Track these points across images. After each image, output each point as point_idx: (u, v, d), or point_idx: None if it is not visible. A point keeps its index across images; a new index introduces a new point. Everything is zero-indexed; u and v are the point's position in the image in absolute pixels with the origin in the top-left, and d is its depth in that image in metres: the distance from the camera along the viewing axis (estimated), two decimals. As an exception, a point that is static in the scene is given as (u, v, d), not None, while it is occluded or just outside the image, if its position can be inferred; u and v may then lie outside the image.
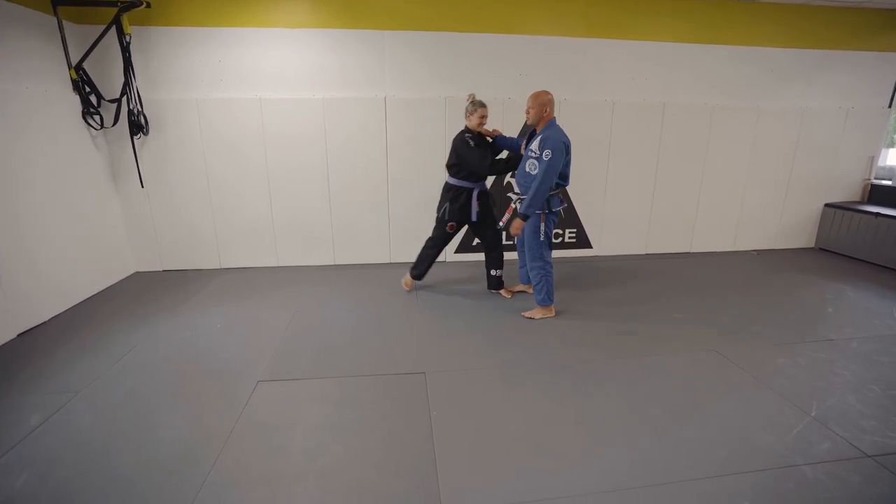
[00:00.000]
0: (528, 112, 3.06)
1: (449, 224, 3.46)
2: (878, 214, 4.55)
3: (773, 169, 4.95)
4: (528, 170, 3.05)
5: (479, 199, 3.44)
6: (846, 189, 5.16)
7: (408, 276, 3.75)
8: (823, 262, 4.73)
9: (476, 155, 3.27)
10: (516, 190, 3.34)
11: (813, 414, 2.23)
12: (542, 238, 3.15)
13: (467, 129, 3.38)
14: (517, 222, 3.08)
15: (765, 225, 5.14)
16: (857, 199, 5.21)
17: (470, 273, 4.28)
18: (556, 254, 4.82)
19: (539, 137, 2.98)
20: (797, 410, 2.26)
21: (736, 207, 5.01)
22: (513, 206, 3.32)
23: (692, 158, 4.77)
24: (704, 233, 5.04)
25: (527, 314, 3.32)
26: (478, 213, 3.46)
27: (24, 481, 1.80)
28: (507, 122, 4.35)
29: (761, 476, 1.84)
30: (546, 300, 3.28)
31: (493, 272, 3.72)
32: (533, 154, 3.01)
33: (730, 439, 2.05)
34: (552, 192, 3.05)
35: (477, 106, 3.31)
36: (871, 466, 1.89)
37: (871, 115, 4.93)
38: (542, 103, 2.99)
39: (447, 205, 3.45)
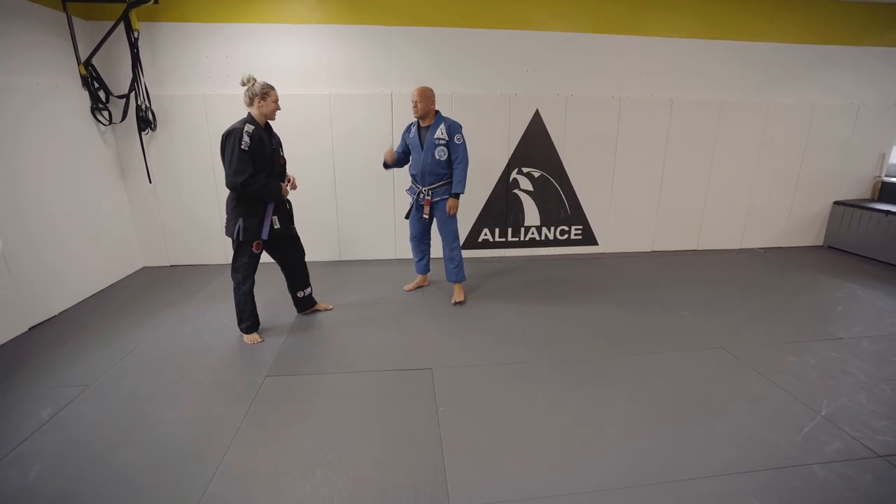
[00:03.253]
0: (415, 106, 3.23)
1: (255, 244, 2.77)
2: (888, 212, 4.50)
3: (782, 166, 4.90)
4: (437, 157, 3.27)
5: (276, 211, 2.80)
6: (856, 186, 5.11)
7: (246, 335, 2.93)
8: (832, 261, 4.68)
9: (234, 161, 2.54)
10: (422, 185, 3.37)
11: (823, 413, 2.21)
12: (456, 219, 3.45)
13: (251, 120, 2.65)
14: (452, 201, 3.30)
15: (773, 222, 5.10)
16: (868, 196, 5.15)
17: (476, 270, 4.27)
18: (562, 250, 4.83)
19: (441, 126, 3.25)
20: (807, 409, 2.24)
21: (744, 205, 4.97)
22: (428, 198, 3.36)
23: (700, 155, 4.73)
24: (712, 230, 5.00)
25: (456, 300, 3.49)
26: (276, 227, 2.81)
27: (36, 473, 1.82)
28: (513, 117, 4.34)
29: (770, 475, 1.82)
30: (464, 277, 3.56)
31: (300, 294, 3.18)
32: (441, 141, 3.24)
33: (738, 438, 2.04)
34: (448, 180, 3.35)
35: (268, 88, 2.66)
36: (883, 466, 1.87)
37: (882, 111, 4.87)
38: (428, 98, 3.22)
39: (241, 222, 2.68)
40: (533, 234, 4.74)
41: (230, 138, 2.58)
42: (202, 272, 4.17)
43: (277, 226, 2.82)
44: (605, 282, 4.04)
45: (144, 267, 4.31)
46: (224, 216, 2.82)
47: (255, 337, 2.92)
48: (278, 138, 2.87)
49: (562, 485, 1.78)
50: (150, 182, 4.07)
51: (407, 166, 3.55)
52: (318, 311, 3.36)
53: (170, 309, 3.38)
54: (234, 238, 2.73)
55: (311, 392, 2.39)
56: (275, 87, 2.71)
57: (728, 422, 2.15)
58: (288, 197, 2.89)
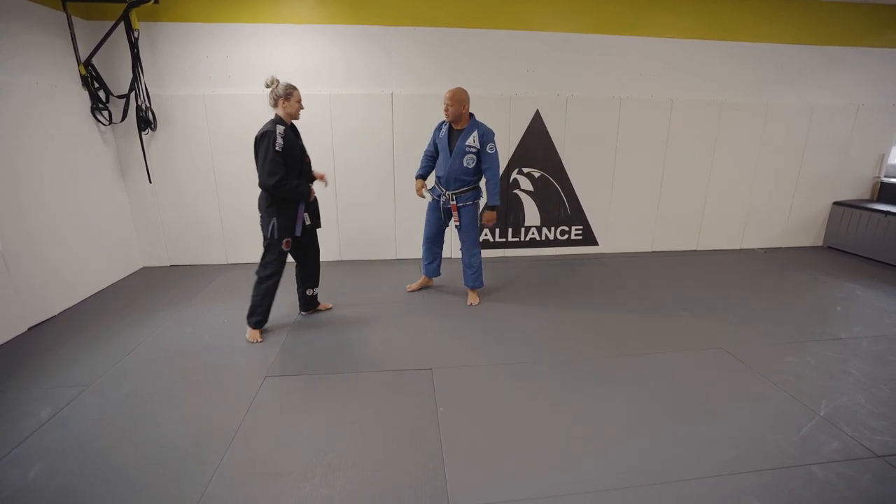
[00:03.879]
0: (446, 110, 3.12)
1: (285, 242, 2.85)
2: (888, 213, 4.50)
3: (782, 166, 4.90)
4: (465, 164, 3.17)
5: (307, 208, 2.90)
6: (855, 187, 5.11)
7: (250, 329, 2.95)
8: (832, 261, 4.69)
9: (268, 162, 2.63)
10: (446, 189, 3.27)
11: (822, 413, 2.21)
12: (478, 225, 3.40)
13: (280, 121, 2.72)
14: (490, 214, 3.25)
15: (773, 223, 5.10)
16: (867, 197, 5.15)
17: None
18: (562, 250, 4.83)
19: (474, 133, 3.13)
20: (806, 409, 2.24)
21: (744, 205, 4.97)
22: (454, 203, 3.28)
23: (700, 156, 4.74)
24: (711, 230, 5.00)
25: (472, 303, 3.47)
26: (308, 224, 2.93)
27: (36, 473, 1.82)
28: (513, 117, 4.34)
29: (769, 475, 1.83)
30: (482, 283, 3.52)
31: (308, 292, 3.23)
32: (471, 149, 3.14)
33: (737, 438, 2.04)
34: (477, 184, 3.30)
35: (291, 88, 2.72)
36: (882, 467, 1.87)
37: (881, 112, 4.87)
38: (461, 101, 3.08)
39: (274, 220, 2.79)
40: (533, 234, 4.74)
41: (264, 140, 2.64)
42: (202, 272, 4.17)
43: (309, 222, 2.94)
44: (605, 282, 4.04)
45: (144, 267, 4.31)
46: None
47: (257, 335, 2.93)
48: (299, 142, 2.92)
49: (562, 485, 1.78)
50: (151, 182, 4.07)
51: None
52: (319, 310, 3.37)
53: (170, 309, 3.38)
54: (269, 236, 2.82)
55: (310, 392, 2.39)
56: (297, 88, 2.76)
57: (728, 422, 2.15)
58: (313, 196, 2.94)
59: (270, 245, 2.85)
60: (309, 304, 3.30)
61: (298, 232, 2.87)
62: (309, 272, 3.19)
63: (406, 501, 1.70)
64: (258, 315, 2.93)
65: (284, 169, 2.68)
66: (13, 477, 1.81)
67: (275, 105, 2.75)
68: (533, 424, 2.14)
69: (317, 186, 2.96)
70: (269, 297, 2.94)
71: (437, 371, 2.57)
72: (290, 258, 2.98)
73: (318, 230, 3.10)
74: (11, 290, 2.92)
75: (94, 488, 1.76)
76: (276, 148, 2.63)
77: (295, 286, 3.25)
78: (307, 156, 2.92)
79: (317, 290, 3.28)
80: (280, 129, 2.66)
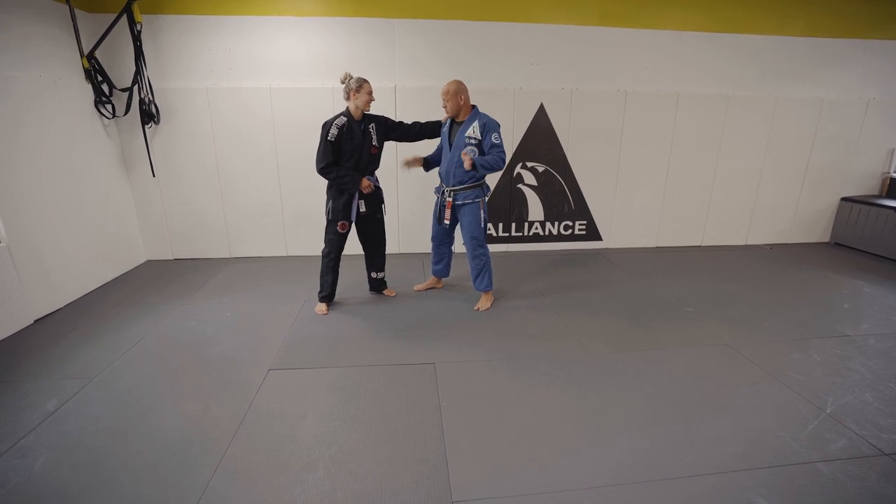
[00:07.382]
0: (445, 106, 3.05)
1: (339, 224, 3.09)
2: (897, 209, 4.45)
3: (789, 161, 4.85)
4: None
5: (363, 195, 3.09)
6: (864, 182, 5.05)
7: (318, 303, 3.29)
8: (839, 257, 4.64)
9: (319, 149, 2.92)
10: (446, 185, 3.17)
11: (828, 410, 2.19)
12: (482, 225, 3.19)
13: (346, 113, 2.95)
14: (467, 160, 2.91)
15: (779, 218, 5.05)
16: (876, 192, 5.09)
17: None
18: (566, 245, 4.81)
19: (475, 123, 2.99)
20: (812, 407, 2.22)
21: (750, 200, 4.93)
22: (449, 200, 3.15)
23: (706, 150, 4.69)
24: (717, 226, 4.96)
25: (479, 307, 3.30)
26: (362, 211, 3.12)
27: (41, 464, 1.84)
28: (517, 111, 4.31)
29: (775, 472, 1.81)
30: (490, 286, 3.34)
31: (374, 275, 3.47)
32: (471, 140, 2.99)
33: (742, 434, 2.03)
34: (479, 182, 3.14)
35: (362, 81, 2.89)
36: (889, 465, 1.86)
37: (891, 106, 4.80)
38: (455, 93, 2.99)
39: (331, 203, 3.08)
40: (537, 228, 4.72)
41: (323, 128, 2.92)
42: (206, 266, 4.18)
43: (363, 209, 3.12)
44: (609, 277, 4.02)
45: (148, 260, 4.32)
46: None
47: (323, 308, 3.24)
48: (379, 120, 3.10)
49: (565, 480, 1.78)
50: (154, 176, 4.07)
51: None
52: (384, 294, 3.56)
53: (173, 302, 3.39)
54: (326, 216, 3.12)
55: (313, 386, 2.39)
56: (368, 81, 2.93)
57: (733, 418, 2.14)
58: (367, 190, 3.07)
59: (328, 225, 3.14)
60: (374, 286, 3.54)
61: (352, 218, 3.09)
62: (372, 257, 3.41)
63: (409, 495, 1.70)
64: (323, 290, 3.25)
65: (333, 157, 2.91)
66: (19, 467, 1.82)
67: (347, 98, 2.94)
68: (536, 419, 2.13)
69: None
70: (329, 274, 3.21)
71: (440, 366, 2.57)
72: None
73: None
74: (17, 283, 2.94)
75: (97, 480, 1.76)
76: (329, 137, 2.87)
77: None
78: (374, 146, 3.06)
79: (381, 275, 3.49)
80: (340, 120, 2.90)
